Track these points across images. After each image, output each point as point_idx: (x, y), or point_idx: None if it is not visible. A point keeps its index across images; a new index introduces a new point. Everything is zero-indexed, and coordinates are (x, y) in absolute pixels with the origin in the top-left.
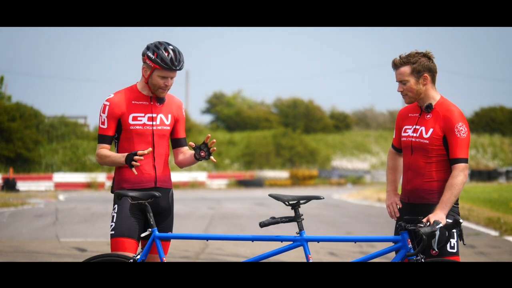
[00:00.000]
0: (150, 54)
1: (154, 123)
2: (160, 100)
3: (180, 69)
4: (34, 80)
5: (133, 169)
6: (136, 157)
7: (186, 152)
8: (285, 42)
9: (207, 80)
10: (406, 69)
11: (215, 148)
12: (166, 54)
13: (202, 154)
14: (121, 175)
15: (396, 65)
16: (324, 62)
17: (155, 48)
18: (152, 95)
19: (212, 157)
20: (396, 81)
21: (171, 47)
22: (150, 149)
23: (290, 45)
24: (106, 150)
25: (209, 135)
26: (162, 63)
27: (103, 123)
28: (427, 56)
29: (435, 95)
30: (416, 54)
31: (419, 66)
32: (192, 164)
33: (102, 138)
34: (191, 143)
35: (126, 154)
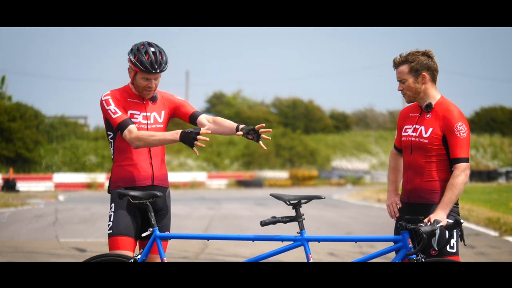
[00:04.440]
0: (131, 57)
1: (148, 121)
2: (153, 98)
3: (161, 71)
4: (34, 80)
5: (195, 149)
6: (200, 137)
7: (221, 123)
8: (285, 42)
9: (207, 80)
10: (404, 68)
11: (268, 137)
12: (146, 58)
13: (250, 137)
14: (118, 174)
15: (395, 64)
16: (324, 62)
17: (136, 51)
18: None
19: (261, 142)
20: (397, 80)
21: (152, 49)
22: (209, 130)
23: (290, 45)
24: (143, 131)
25: (263, 124)
26: (142, 66)
27: (115, 113)
28: (426, 54)
29: (435, 94)
30: (415, 53)
31: (417, 65)
32: (228, 134)
33: (126, 123)
34: (241, 126)
35: (179, 131)
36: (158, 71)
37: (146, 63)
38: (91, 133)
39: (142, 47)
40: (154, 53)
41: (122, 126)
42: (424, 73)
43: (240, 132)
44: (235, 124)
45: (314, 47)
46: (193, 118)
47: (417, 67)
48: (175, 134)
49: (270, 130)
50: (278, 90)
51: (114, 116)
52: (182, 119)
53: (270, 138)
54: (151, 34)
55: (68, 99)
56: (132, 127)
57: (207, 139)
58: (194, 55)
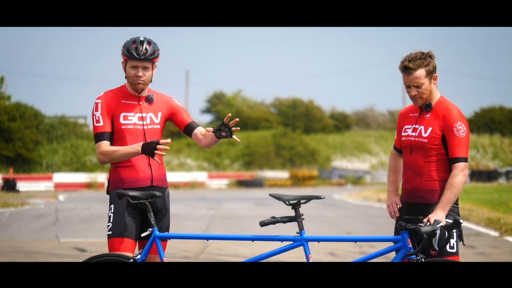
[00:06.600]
0: (122, 48)
1: (144, 122)
2: (149, 100)
3: (146, 58)
4: (34, 80)
5: (155, 158)
6: (160, 147)
7: (206, 134)
8: (285, 42)
9: (207, 80)
10: (422, 72)
11: (237, 128)
12: (133, 46)
13: (223, 134)
14: (117, 174)
15: (410, 69)
16: (324, 62)
17: (127, 41)
18: (140, 95)
19: (234, 136)
20: (408, 85)
21: (141, 38)
22: (169, 140)
23: (290, 45)
24: (109, 146)
25: (230, 114)
26: (128, 52)
27: (98, 121)
28: (431, 56)
29: (436, 94)
30: (424, 56)
31: (431, 67)
32: (216, 143)
33: (100, 136)
34: (208, 128)
35: (141, 143)
36: (143, 57)
37: (132, 49)
38: (91, 133)
39: (132, 38)
40: (141, 41)
41: (96, 138)
42: (435, 74)
43: (210, 128)
44: (212, 133)
45: (314, 47)
46: (189, 129)
47: (431, 69)
48: (137, 146)
49: (238, 120)
50: (278, 90)
51: (96, 125)
52: (177, 126)
53: (239, 128)
54: (152, 34)
55: (68, 99)
56: (103, 143)
57: (167, 148)
58: (194, 55)
